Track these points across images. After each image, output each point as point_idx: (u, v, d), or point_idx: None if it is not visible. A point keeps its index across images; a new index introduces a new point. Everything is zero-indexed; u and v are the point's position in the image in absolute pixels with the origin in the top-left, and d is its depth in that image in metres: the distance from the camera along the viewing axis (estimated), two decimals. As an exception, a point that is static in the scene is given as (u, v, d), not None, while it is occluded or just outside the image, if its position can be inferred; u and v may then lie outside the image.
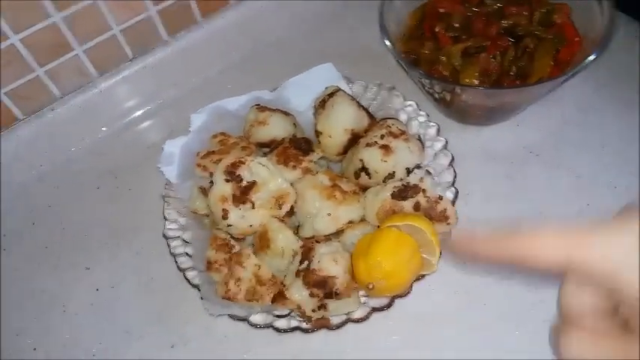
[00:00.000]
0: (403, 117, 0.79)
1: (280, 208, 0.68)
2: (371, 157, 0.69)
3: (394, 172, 0.69)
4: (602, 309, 0.35)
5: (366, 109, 0.76)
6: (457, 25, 0.78)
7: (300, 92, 0.85)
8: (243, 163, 0.68)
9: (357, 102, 0.75)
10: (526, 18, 0.77)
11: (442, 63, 0.75)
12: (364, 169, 0.70)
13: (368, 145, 0.69)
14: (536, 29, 0.76)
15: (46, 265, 0.79)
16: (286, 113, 0.80)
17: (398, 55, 0.74)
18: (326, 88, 0.78)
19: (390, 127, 0.71)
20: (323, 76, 0.84)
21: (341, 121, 0.72)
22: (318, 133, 0.74)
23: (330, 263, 0.61)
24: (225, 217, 0.66)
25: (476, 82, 0.72)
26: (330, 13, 1.02)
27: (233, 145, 0.78)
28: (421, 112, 0.78)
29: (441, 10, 0.80)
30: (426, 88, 0.76)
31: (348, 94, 0.76)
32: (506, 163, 0.78)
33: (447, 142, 0.75)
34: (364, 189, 0.71)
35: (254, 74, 0.95)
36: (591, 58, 0.67)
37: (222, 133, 0.80)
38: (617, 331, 0.35)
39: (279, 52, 0.99)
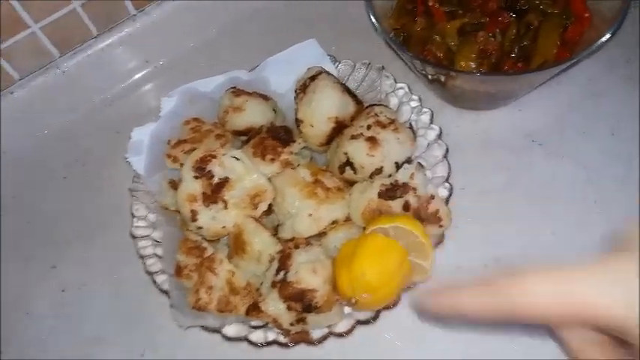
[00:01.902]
0: (394, 101, 0.72)
1: (256, 208, 0.62)
2: (356, 150, 0.62)
3: (382, 167, 0.62)
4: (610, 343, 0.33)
5: (352, 93, 0.69)
6: (453, -3, 0.70)
7: (281, 72, 0.78)
8: (215, 157, 0.61)
9: (343, 85, 0.68)
10: (530, -11, 0.69)
11: (435, 42, 0.67)
12: (349, 163, 0.63)
13: (353, 137, 0.63)
14: (541, 3, 0.68)
15: (9, 263, 0.74)
16: (265, 97, 0.73)
17: (385, 34, 0.66)
18: (308, 69, 0.71)
19: (377, 115, 0.64)
20: (306, 54, 0.78)
21: (324, 109, 0.65)
22: (298, 122, 0.67)
23: (308, 274, 0.55)
24: (194, 219, 0.60)
25: (472, 65, 0.65)
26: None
27: (207, 132, 0.71)
28: (413, 97, 0.71)
29: (436, -19, 0.71)
30: (418, 69, 0.68)
31: (333, 76, 0.69)
32: (505, 153, 0.71)
33: (441, 131, 0.68)
34: (351, 183, 0.65)
35: (231, 51, 0.88)
36: (604, 39, 0.60)
37: (196, 119, 0.73)
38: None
39: (258, 26, 0.91)
